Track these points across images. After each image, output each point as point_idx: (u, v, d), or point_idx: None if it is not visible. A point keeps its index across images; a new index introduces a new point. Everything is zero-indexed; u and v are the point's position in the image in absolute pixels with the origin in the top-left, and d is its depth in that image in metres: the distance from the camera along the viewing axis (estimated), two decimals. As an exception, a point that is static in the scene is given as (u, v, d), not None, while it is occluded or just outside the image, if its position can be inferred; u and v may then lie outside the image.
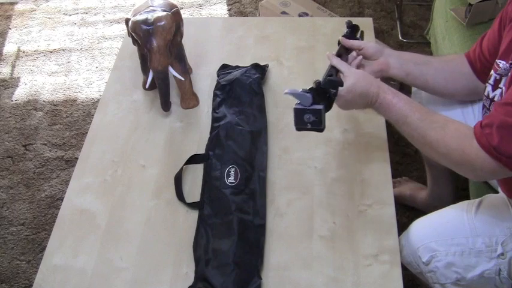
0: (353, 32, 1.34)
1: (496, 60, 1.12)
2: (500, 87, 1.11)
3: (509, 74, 1.05)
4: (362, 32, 1.36)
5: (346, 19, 1.33)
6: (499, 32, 1.16)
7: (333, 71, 1.17)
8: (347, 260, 1.14)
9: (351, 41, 1.29)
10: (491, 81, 1.14)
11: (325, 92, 1.11)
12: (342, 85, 1.12)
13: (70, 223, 1.25)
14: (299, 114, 1.09)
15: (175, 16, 1.38)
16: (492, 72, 1.14)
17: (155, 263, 1.16)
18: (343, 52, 1.27)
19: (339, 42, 1.30)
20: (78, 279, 1.15)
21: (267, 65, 1.56)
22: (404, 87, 2.06)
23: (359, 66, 1.27)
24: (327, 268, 1.13)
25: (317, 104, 1.08)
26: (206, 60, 1.62)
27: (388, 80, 1.98)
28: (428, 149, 1.08)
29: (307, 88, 1.10)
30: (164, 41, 1.34)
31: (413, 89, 1.49)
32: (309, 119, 1.08)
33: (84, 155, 1.39)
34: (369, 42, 1.29)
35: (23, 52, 2.55)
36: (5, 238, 1.83)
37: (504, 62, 1.10)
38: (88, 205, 1.28)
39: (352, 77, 1.14)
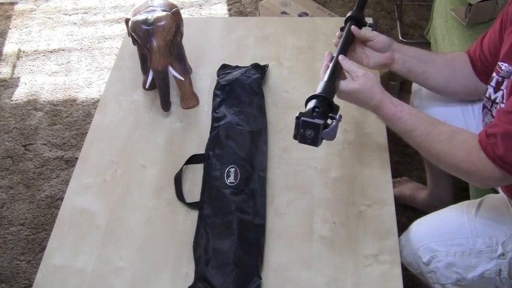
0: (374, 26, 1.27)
1: (498, 63, 1.12)
2: (501, 89, 1.10)
3: (512, 76, 1.06)
4: (377, 23, 1.28)
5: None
6: (500, 33, 1.16)
7: (338, 70, 1.14)
8: (347, 260, 1.14)
9: (363, 31, 1.23)
10: (493, 83, 1.13)
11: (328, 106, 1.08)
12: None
13: (70, 223, 1.25)
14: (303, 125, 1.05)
15: (175, 16, 1.38)
16: (494, 74, 1.13)
17: (155, 263, 1.16)
18: (349, 40, 1.21)
19: (342, 28, 1.24)
20: (78, 279, 1.15)
21: (267, 65, 1.56)
22: (404, 88, 2.06)
23: (362, 55, 1.24)
24: (327, 268, 1.13)
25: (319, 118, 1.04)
26: (206, 60, 1.62)
27: (388, 80, 1.99)
28: (435, 161, 1.08)
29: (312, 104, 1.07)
30: (164, 41, 1.34)
31: (413, 89, 1.48)
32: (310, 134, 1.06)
33: (84, 155, 1.39)
34: (380, 34, 1.24)
35: (23, 52, 2.55)
36: (5, 238, 1.83)
37: (507, 65, 1.09)
38: (88, 205, 1.28)
39: (358, 83, 1.11)
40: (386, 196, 1.24)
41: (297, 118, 1.04)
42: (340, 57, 1.15)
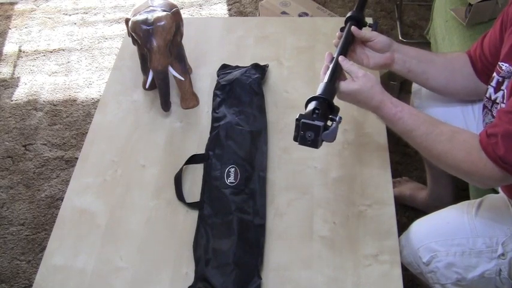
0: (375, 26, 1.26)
1: (499, 63, 1.12)
2: (502, 89, 1.11)
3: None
4: (377, 23, 1.28)
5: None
6: (500, 33, 1.16)
7: (338, 71, 1.14)
8: (347, 260, 1.14)
9: (363, 31, 1.22)
10: (493, 83, 1.13)
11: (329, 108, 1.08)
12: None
13: (70, 223, 1.25)
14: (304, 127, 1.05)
15: (175, 16, 1.38)
16: (494, 74, 1.13)
17: (155, 263, 1.16)
18: (349, 40, 1.21)
19: (342, 29, 1.24)
20: (78, 279, 1.15)
21: (267, 65, 1.56)
22: (404, 88, 2.06)
23: (362, 56, 1.24)
24: (327, 268, 1.13)
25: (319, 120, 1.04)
26: (206, 60, 1.62)
27: (388, 80, 1.99)
28: (436, 161, 1.08)
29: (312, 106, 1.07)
30: (164, 41, 1.34)
31: (413, 89, 1.48)
32: (310, 136, 1.06)
33: (84, 155, 1.39)
34: (380, 35, 1.24)
35: (23, 52, 2.55)
36: (5, 238, 1.83)
37: (507, 65, 1.09)
38: (88, 205, 1.28)
39: (358, 83, 1.10)
40: (386, 196, 1.24)
41: (297, 120, 1.04)
42: (340, 58, 1.15)
